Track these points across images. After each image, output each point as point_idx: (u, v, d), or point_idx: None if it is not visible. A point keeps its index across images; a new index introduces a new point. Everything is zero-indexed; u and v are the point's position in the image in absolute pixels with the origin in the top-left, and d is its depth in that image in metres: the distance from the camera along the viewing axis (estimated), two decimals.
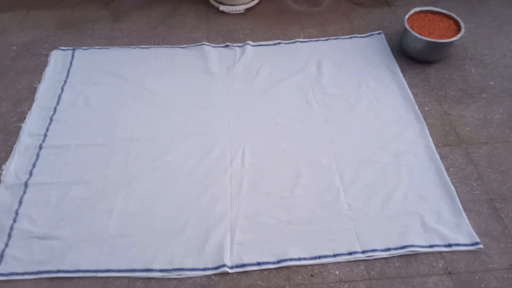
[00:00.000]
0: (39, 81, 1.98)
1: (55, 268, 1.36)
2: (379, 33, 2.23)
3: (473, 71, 2.03)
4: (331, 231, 1.46)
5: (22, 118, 1.81)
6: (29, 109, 1.85)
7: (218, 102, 1.90)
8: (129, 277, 1.35)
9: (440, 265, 1.36)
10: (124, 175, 1.62)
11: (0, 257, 1.39)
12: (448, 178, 1.58)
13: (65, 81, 1.98)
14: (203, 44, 2.16)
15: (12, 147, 1.70)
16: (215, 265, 1.37)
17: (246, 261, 1.38)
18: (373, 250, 1.40)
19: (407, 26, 2.02)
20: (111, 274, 1.35)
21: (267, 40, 2.21)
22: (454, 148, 1.70)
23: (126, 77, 2.00)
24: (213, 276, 1.35)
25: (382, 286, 1.32)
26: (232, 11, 2.38)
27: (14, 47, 2.16)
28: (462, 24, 2.03)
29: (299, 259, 1.38)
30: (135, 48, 2.16)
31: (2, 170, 1.62)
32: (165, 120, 1.82)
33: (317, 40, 2.21)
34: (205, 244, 1.42)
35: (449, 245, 1.41)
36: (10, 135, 1.75)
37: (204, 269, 1.36)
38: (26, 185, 1.58)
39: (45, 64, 2.06)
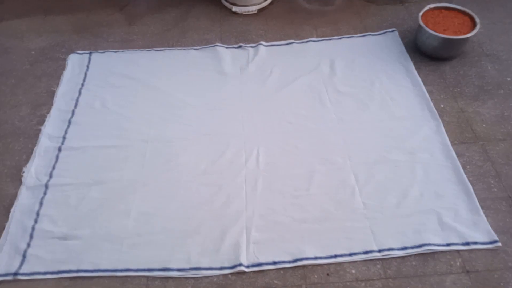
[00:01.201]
0: (57, 84, 2.02)
1: (75, 268, 1.39)
2: (392, 31, 2.22)
3: (489, 67, 2.00)
4: (346, 229, 1.46)
5: (41, 121, 1.86)
6: (48, 112, 1.89)
7: (232, 102, 1.92)
8: (147, 277, 1.37)
9: (458, 264, 1.35)
10: (140, 175, 1.64)
11: (22, 257, 1.42)
12: (465, 176, 1.57)
13: (82, 84, 2.02)
14: (217, 45, 2.18)
15: (32, 150, 1.74)
16: (232, 264, 1.38)
17: (262, 260, 1.39)
18: (389, 249, 1.39)
19: (421, 23, 2.01)
20: (129, 273, 1.38)
21: (280, 40, 2.22)
22: (471, 145, 1.68)
23: (141, 79, 2.03)
24: (229, 275, 1.37)
25: (399, 285, 1.32)
26: (245, 11, 2.39)
27: (33, 52, 2.22)
28: (477, 20, 2.00)
29: (315, 258, 1.39)
30: (150, 50, 2.19)
31: (23, 172, 1.66)
32: (179, 121, 1.84)
33: (330, 39, 2.20)
34: (221, 243, 1.44)
35: (467, 244, 1.39)
36: (31, 138, 1.80)
37: (221, 268, 1.38)
38: (46, 186, 1.62)
39: (62, 68, 2.11)
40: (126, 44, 2.25)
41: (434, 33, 1.95)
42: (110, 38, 2.29)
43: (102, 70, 2.10)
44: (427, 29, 1.97)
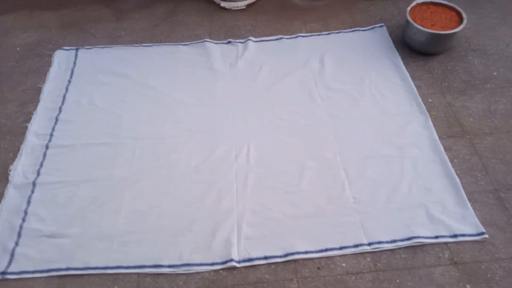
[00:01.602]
0: (43, 81, 1.99)
1: (65, 266, 1.38)
2: (381, 26, 2.23)
3: (476, 62, 2.02)
4: (337, 224, 1.47)
5: (28, 119, 1.83)
6: (34, 109, 1.86)
7: (222, 99, 1.91)
8: (138, 273, 1.37)
9: (446, 256, 1.37)
10: (130, 173, 1.63)
11: (11, 256, 1.41)
12: (452, 170, 1.59)
13: (69, 81, 1.99)
14: (206, 41, 2.17)
15: (19, 148, 1.72)
16: (223, 259, 1.38)
17: (253, 255, 1.39)
18: (379, 242, 1.41)
19: (409, 18, 2.02)
20: (120, 270, 1.37)
21: (269, 35, 2.21)
22: (458, 139, 1.71)
23: (129, 76, 2.01)
24: (221, 271, 1.37)
25: (389, 277, 1.33)
26: (234, 7, 2.38)
27: (18, 48, 2.18)
28: (464, 15, 2.02)
29: (306, 252, 1.40)
30: (138, 46, 2.17)
31: (10, 170, 1.64)
32: (169, 118, 1.83)
33: (319, 35, 2.21)
34: (212, 239, 1.44)
35: (455, 236, 1.41)
36: (17, 136, 1.77)
37: (212, 264, 1.38)
38: (34, 184, 1.60)
39: (49, 64, 2.08)
40: (114, 40, 2.22)
41: (422, 28, 1.96)
42: (97, 34, 2.26)
43: (89, 66, 2.07)
44: (415, 24, 1.98)
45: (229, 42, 2.17)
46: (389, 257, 1.38)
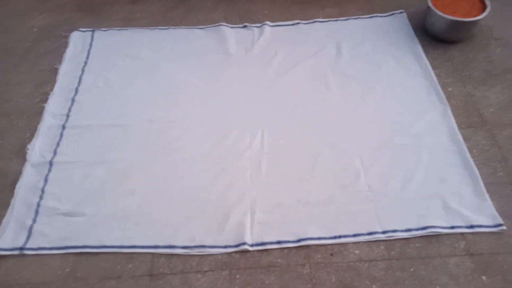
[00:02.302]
0: (60, 62, 2.00)
1: (80, 244, 1.40)
2: (401, 12, 2.18)
3: (498, 51, 1.97)
4: (350, 212, 1.46)
5: (45, 99, 1.84)
6: (51, 90, 1.88)
7: (236, 83, 1.90)
8: (152, 253, 1.38)
9: (462, 246, 1.36)
10: (144, 155, 1.64)
11: (28, 233, 1.43)
12: (471, 160, 1.56)
13: (85, 62, 2.00)
14: (221, 25, 2.15)
15: (36, 127, 1.74)
16: (236, 242, 1.39)
17: (266, 240, 1.40)
18: (393, 231, 1.40)
19: (430, 4, 1.97)
20: (135, 250, 1.39)
21: (286, 20, 2.18)
22: (478, 129, 1.67)
23: (144, 59, 2.00)
24: (234, 254, 1.38)
25: (402, 266, 1.32)
26: None
27: (35, 29, 2.19)
28: (487, 3, 1.96)
29: (319, 238, 1.39)
30: (154, 29, 2.16)
31: (28, 149, 1.66)
32: (184, 101, 1.83)
33: (337, 20, 2.17)
34: (225, 223, 1.44)
35: (471, 227, 1.39)
36: (34, 116, 1.79)
37: (225, 247, 1.38)
38: (50, 163, 1.62)
39: (65, 45, 2.09)
40: (129, 22, 2.21)
41: (443, 15, 1.91)
42: (113, 16, 2.25)
43: (105, 48, 2.07)
44: (436, 11, 1.93)
45: (245, 26, 2.15)
46: (403, 245, 1.37)
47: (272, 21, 2.16)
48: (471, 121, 1.70)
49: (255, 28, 2.14)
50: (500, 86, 1.82)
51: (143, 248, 1.39)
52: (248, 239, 1.39)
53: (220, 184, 1.55)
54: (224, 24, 2.15)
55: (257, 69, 1.95)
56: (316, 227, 1.42)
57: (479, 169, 1.53)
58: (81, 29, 2.17)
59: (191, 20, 2.21)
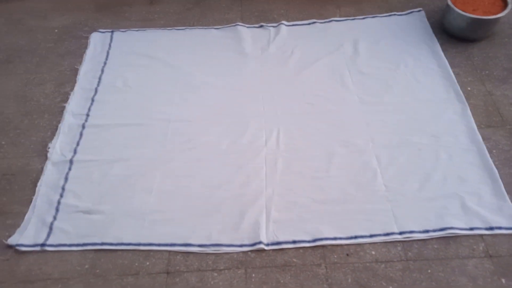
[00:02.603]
0: (80, 63, 2.05)
1: (99, 241, 1.43)
2: (419, 11, 2.15)
3: None
4: (367, 211, 1.45)
5: (65, 99, 1.89)
6: (71, 90, 1.92)
7: (252, 83, 1.90)
8: (169, 251, 1.40)
9: (481, 248, 1.33)
10: (162, 154, 1.66)
11: (49, 229, 1.47)
12: (490, 160, 1.53)
13: (104, 63, 2.04)
14: (237, 25, 2.16)
15: (57, 126, 1.78)
16: (252, 242, 1.40)
17: (281, 239, 1.40)
18: (410, 232, 1.38)
19: (449, 2, 1.94)
20: (152, 247, 1.41)
21: (302, 19, 2.18)
22: (498, 129, 1.64)
23: (162, 59, 2.03)
24: (249, 253, 1.38)
25: (419, 267, 1.31)
26: None
27: (56, 30, 2.24)
28: (509, 0, 1.92)
29: (335, 238, 1.39)
30: (171, 30, 2.19)
31: (49, 148, 1.70)
32: (200, 101, 1.84)
33: (354, 19, 2.16)
34: (241, 221, 1.45)
35: (491, 228, 1.37)
36: (55, 115, 1.83)
37: (241, 246, 1.39)
38: (71, 162, 1.65)
39: (85, 46, 2.13)
40: (147, 23, 2.25)
41: (463, 13, 1.88)
42: (131, 17, 2.29)
43: (124, 49, 2.11)
44: (456, 8, 1.90)
45: (261, 26, 2.16)
46: (420, 246, 1.36)
47: (288, 21, 2.17)
48: (491, 120, 1.67)
49: (271, 28, 2.14)
50: None
51: (160, 246, 1.41)
52: (264, 238, 1.40)
53: (236, 182, 1.56)
54: (241, 24, 2.16)
55: (273, 68, 1.96)
56: (332, 226, 1.42)
57: (498, 169, 1.51)
58: (101, 30, 2.21)
59: (208, 21, 2.23)
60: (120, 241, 1.42)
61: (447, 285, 1.27)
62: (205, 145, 1.68)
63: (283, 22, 2.15)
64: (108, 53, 2.08)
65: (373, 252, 1.36)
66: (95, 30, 2.21)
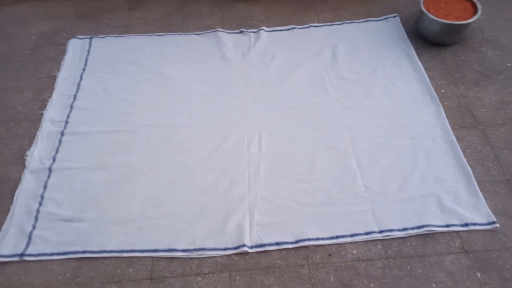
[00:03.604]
0: (58, 69, 2.02)
1: (81, 249, 1.41)
2: (394, 16, 2.22)
3: (490, 53, 2.01)
4: (348, 212, 1.48)
5: (43, 106, 1.86)
6: (50, 97, 1.89)
7: (234, 88, 1.92)
8: (152, 257, 1.40)
9: (457, 244, 1.38)
10: (145, 160, 1.66)
11: (28, 239, 1.44)
12: (464, 160, 1.59)
13: (83, 69, 2.02)
14: (218, 31, 2.18)
15: (35, 134, 1.75)
16: (236, 245, 1.41)
17: (265, 241, 1.41)
18: (390, 230, 1.42)
19: (423, 8, 2.01)
20: (135, 254, 1.40)
21: (282, 25, 2.21)
22: (471, 130, 1.70)
23: (143, 65, 2.03)
24: (233, 256, 1.39)
25: (399, 264, 1.35)
26: None
27: (34, 37, 2.21)
28: (479, 6, 2.00)
29: (317, 239, 1.41)
30: (151, 35, 2.19)
31: (27, 156, 1.67)
32: (183, 106, 1.85)
33: (332, 25, 2.20)
34: (225, 225, 1.46)
35: (466, 225, 1.42)
36: (33, 123, 1.80)
37: (225, 249, 1.40)
38: (50, 170, 1.63)
39: (63, 53, 2.11)
40: (127, 29, 2.24)
41: (436, 18, 1.95)
42: (111, 23, 2.28)
43: (103, 55, 2.09)
44: (429, 14, 1.97)
45: (241, 31, 2.18)
46: (400, 244, 1.40)
47: (268, 26, 2.20)
48: (464, 121, 1.73)
49: (251, 34, 2.17)
50: (492, 87, 1.86)
51: (143, 252, 1.40)
52: (248, 241, 1.41)
53: (220, 187, 1.57)
54: (221, 29, 2.18)
55: (254, 73, 1.98)
56: (315, 228, 1.45)
57: (472, 168, 1.56)
58: (79, 36, 2.19)
59: (188, 26, 2.24)
60: (102, 249, 1.41)
61: (426, 281, 1.30)
62: (188, 151, 1.69)
63: (263, 27, 2.18)
64: (87, 59, 2.07)
65: (355, 251, 1.39)
66: (73, 36, 2.19)
